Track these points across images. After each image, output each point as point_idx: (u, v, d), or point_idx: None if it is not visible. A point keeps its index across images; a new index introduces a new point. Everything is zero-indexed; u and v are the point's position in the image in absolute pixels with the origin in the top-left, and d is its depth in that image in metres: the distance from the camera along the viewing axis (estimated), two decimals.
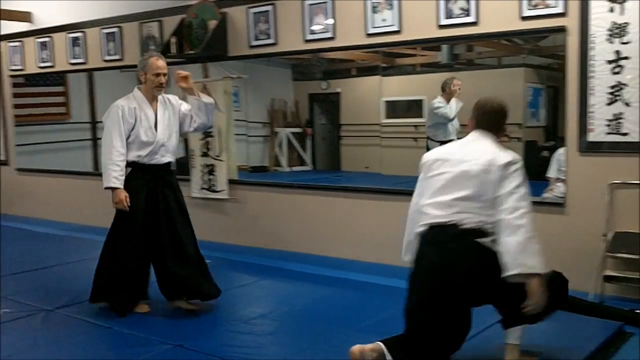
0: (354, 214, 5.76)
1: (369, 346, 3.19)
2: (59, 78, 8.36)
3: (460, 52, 6.20)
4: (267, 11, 6.05)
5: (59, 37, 7.91)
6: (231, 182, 6.52)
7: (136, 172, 4.44)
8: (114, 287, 4.41)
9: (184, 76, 4.50)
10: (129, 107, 4.39)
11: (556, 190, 5.01)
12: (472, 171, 3.13)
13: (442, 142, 5.21)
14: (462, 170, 3.15)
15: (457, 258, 3.10)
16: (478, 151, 3.19)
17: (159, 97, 4.52)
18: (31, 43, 8.25)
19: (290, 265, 5.62)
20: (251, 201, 6.46)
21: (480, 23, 4.95)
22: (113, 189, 4.34)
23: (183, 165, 7.10)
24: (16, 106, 8.71)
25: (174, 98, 4.64)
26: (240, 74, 6.45)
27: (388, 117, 6.24)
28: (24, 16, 8.20)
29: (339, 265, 5.55)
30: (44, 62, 8.14)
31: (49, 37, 8.02)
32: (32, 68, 8.33)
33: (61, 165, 8.31)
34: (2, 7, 8.19)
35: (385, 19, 5.39)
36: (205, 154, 6.60)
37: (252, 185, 6.54)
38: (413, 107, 6.50)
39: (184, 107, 4.62)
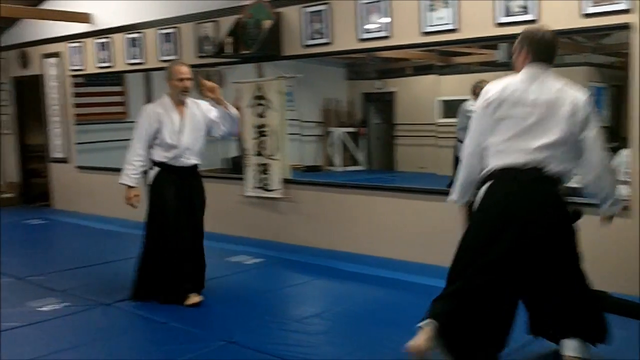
0: (407, 215, 5.70)
1: (422, 339, 3.08)
2: (117, 78, 8.52)
3: None
4: (321, 10, 6.04)
5: (118, 38, 8.07)
6: (285, 181, 6.54)
7: (163, 171, 4.68)
8: (157, 283, 4.61)
9: (211, 88, 4.60)
10: (154, 111, 4.66)
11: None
12: (558, 114, 3.02)
13: None
14: (543, 113, 3.03)
15: (538, 201, 3.04)
16: (554, 90, 3.07)
17: (189, 101, 4.73)
18: (91, 44, 8.43)
19: (343, 265, 5.60)
20: (304, 200, 6.46)
21: (540, 21, 4.82)
22: (126, 186, 4.69)
23: (237, 164, 7.17)
24: (76, 105, 8.92)
25: (204, 104, 4.80)
26: (294, 73, 6.46)
27: (444, 116, 6.17)
28: (84, 17, 8.38)
29: (392, 266, 5.50)
30: (103, 62, 8.31)
31: (108, 37, 8.18)
32: (91, 68, 8.51)
33: (120, 163, 8.42)
34: (64, 9, 8.41)
35: (442, 17, 5.32)
36: (259, 153, 6.64)
37: (306, 184, 6.54)
38: None
39: (213, 113, 4.76)
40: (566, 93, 3.06)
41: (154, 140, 4.64)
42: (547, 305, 3.22)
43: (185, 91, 4.63)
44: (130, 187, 4.69)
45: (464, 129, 5.91)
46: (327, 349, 3.71)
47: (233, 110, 4.76)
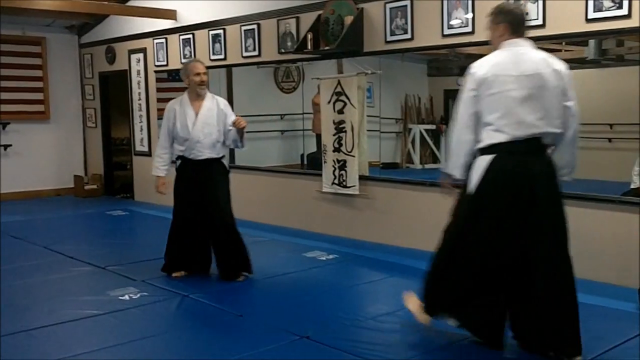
0: None
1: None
2: None
3: (609, 47, 5.82)
4: (404, 6, 5.95)
5: (201, 34, 8.20)
6: (362, 178, 6.49)
7: (181, 165, 5.13)
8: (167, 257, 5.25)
9: (238, 123, 4.89)
10: (172, 107, 5.08)
11: None
12: (548, 84, 3.18)
13: None
14: (534, 85, 3.17)
15: (543, 170, 3.23)
16: (539, 60, 3.23)
17: (209, 98, 5.07)
18: (175, 40, 8.61)
19: (419, 263, 5.44)
20: (382, 197, 6.39)
21: (634, 16, 4.61)
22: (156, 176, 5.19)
23: (315, 159, 7.16)
24: (159, 100, 9.12)
25: (224, 103, 5.14)
26: (374, 69, 6.40)
27: None
28: (170, 14, 8.57)
29: None
30: (186, 58, 8.46)
31: (191, 34, 8.33)
32: (175, 64, 8.68)
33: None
34: (150, 6, 8.62)
35: (529, 13, 5.15)
36: (337, 150, 6.61)
37: (383, 181, 6.47)
38: None
39: (229, 120, 5.03)
40: (550, 63, 3.25)
41: (173, 133, 5.06)
42: (530, 313, 3.33)
43: (201, 84, 4.98)
44: (158, 177, 5.17)
45: None
46: (401, 348, 3.65)
47: (244, 144, 5.14)
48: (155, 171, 5.17)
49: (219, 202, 5.04)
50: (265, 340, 3.75)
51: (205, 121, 4.99)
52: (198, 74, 4.98)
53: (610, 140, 5.58)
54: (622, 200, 4.68)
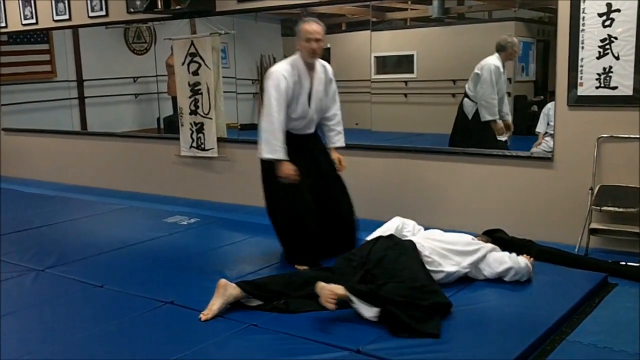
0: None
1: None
2: (43, 36, 8.21)
3: (451, 6, 6.12)
4: None
5: None
6: (220, 140, 6.48)
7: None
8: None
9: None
10: (284, 76, 4.23)
11: (544, 145, 5.03)
12: None
13: None
14: None
15: None
16: None
17: (318, 65, 4.38)
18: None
19: None
20: (240, 159, 6.42)
21: None
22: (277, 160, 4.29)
23: (172, 123, 7.05)
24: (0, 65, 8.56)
25: (331, 70, 4.51)
26: (228, 29, 6.35)
27: (378, 72, 6.18)
28: None
29: None
30: (27, 19, 7.97)
31: None
32: (15, 26, 8.16)
33: (48, 125, 8.23)
34: None
35: None
36: (194, 112, 6.54)
37: (241, 143, 6.50)
38: (404, 63, 6.44)
39: (332, 87, 4.52)
40: None
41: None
42: None
43: (313, 53, 4.24)
44: (284, 161, 4.29)
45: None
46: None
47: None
48: (276, 154, 4.23)
49: (344, 187, 4.59)
50: (128, 308, 3.71)
51: (319, 95, 4.37)
52: (309, 39, 4.19)
53: (453, 95, 5.90)
54: None
